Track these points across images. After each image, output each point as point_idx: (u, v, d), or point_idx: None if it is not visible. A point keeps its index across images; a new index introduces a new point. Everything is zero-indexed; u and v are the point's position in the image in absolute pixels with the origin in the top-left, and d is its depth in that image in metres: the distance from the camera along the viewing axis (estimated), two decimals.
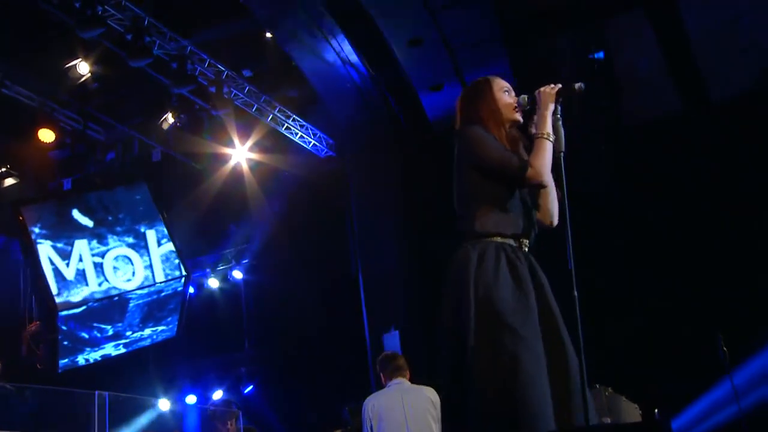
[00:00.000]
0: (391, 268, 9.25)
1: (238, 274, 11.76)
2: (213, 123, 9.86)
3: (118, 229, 10.47)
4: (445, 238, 2.81)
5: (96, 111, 9.99)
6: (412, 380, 4.87)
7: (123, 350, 10.61)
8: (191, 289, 11.65)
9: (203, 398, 10.98)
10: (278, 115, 9.66)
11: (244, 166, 10.21)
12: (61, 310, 9.56)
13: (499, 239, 2.64)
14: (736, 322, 6.52)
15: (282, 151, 10.24)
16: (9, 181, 10.53)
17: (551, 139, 2.65)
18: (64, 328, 9.71)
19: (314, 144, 10.21)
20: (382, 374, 4.90)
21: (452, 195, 2.84)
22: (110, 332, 10.40)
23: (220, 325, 11.96)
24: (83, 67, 8.65)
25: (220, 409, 8.91)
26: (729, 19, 7.54)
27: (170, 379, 11.36)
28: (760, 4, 7.30)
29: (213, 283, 11.93)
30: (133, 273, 10.34)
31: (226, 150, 10.02)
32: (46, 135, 9.37)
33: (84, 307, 9.87)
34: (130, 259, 10.39)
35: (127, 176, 10.70)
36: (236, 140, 9.73)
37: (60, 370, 9.74)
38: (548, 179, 2.62)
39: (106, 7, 7.60)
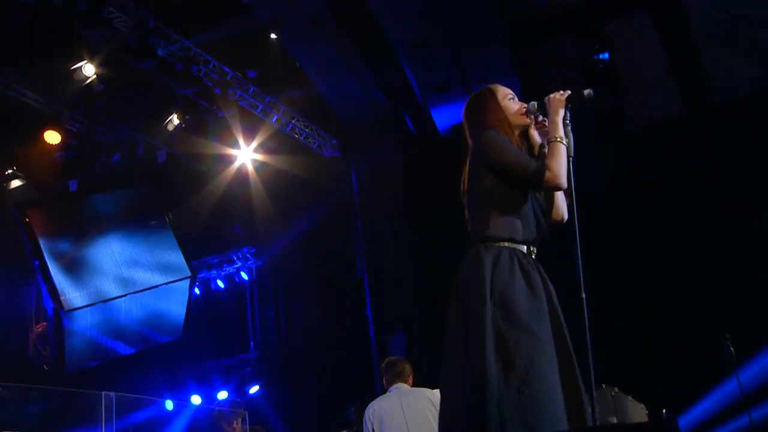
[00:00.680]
0: (396, 269, 9.26)
1: (243, 275, 11.80)
2: (218, 124, 9.89)
3: (122, 231, 10.50)
4: (451, 239, 2.83)
5: (101, 113, 10.02)
6: (418, 382, 4.91)
7: (129, 351, 10.65)
8: (197, 290, 11.70)
9: (208, 399, 11.00)
10: (283, 116, 9.68)
11: (249, 167, 10.24)
12: (67, 311, 9.61)
13: (511, 244, 2.66)
14: (737, 322, 6.54)
15: (287, 152, 10.25)
16: (15, 183, 10.57)
17: (565, 143, 2.66)
18: (69, 328, 9.76)
19: (319, 145, 10.23)
20: (384, 379, 4.97)
21: (461, 198, 2.86)
22: (116, 333, 10.45)
23: (225, 326, 11.99)
24: (89, 69, 8.67)
25: (225, 409, 8.92)
26: (733, 20, 7.53)
27: (176, 379, 11.39)
28: (764, 4, 7.29)
29: (218, 283, 11.97)
30: (138, 275, 10.39)
31: (231, 151, 10.05)
32: (52, 137, 9.40)
33: (89, 309, 9.92)
34: (135, 261, 10.43)
35: (130, 177, 10.75)
36: (241, 141, 9.76)
37: (66, 371, 9.79)
38: (565, 182, 2.64)
39: (111, 9, 7.64)
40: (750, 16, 7.47)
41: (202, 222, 11.04)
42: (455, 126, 8.88)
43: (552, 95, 2.76)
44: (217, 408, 9.55)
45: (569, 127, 2.71)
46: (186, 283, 10.77)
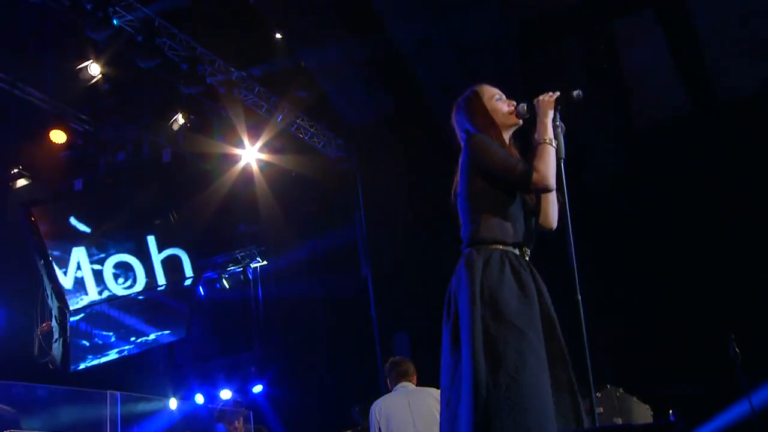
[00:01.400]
0: (400, 268, 9.25)
1: (247, 275, 11.81)
2: (223, 123, 9.89)
3: (118, 235, 10.50)
4: (455, 239, 2.83)
5: (106, 112, 10.06)
6: (422, 382, 4.93)
7: (134, 350, 10.68)
8: (201, 290, 11.72)
9: (212, 398, 11.03)
10: (288, 115, 9.69)
11: (254, 167, 10.24)
12: (72, 311, 9.64)
13: (502, 247, 2.67)
14: (737, 322, 6.54)
15: (292, 151, 10.26)
16: (21, 182, 10.61)
17: (554, 145, 2.67)
18: (74, 328, 9.78)
19: (324, 144, 10.24)
20: (388, 379, 5.01)
21: (452, 201, 2.88)
22: (119, 333, 10.47)
23: (229, 325, 12.01)
24: (94, 69, 8.71)
25: (228, 408, 8.94)
26: (738, 18, 7.52)
27: (180, 378, 11.41)
28: None
29: (223, 283, 11.99)
30: (135, 279, 10.39)
31: (236, 150, 10.05)
32: (58, 136, 9.43)
33: (93, 308, 9.95)
34: (131, 265, 10.43)
35: (135, 177, 10.77)
36: (246, 141, 9.77)
37: (71, 370, 9.81)
38: (553, 184, 2.64)
39: (117, 8, 7.66)
40: (755, 15, 7.45)
41: (207, 221, 11.05)
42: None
43: (541, 97, 2.76)
44: (220, 407, 9.57)
45: (559, 129, 2.71)
46: (189, 283, 10.78)
